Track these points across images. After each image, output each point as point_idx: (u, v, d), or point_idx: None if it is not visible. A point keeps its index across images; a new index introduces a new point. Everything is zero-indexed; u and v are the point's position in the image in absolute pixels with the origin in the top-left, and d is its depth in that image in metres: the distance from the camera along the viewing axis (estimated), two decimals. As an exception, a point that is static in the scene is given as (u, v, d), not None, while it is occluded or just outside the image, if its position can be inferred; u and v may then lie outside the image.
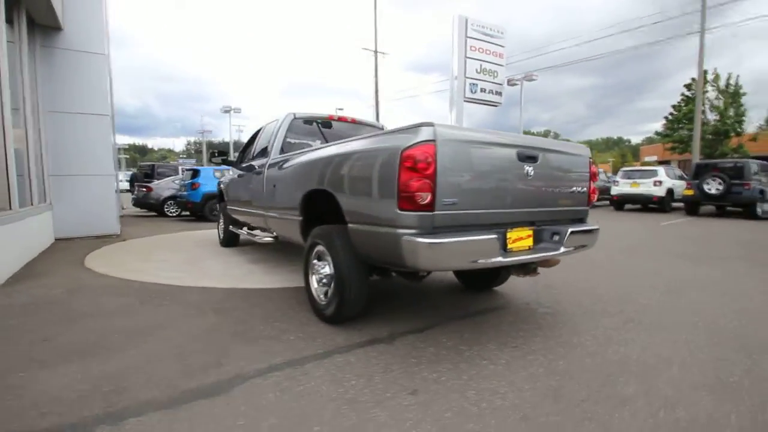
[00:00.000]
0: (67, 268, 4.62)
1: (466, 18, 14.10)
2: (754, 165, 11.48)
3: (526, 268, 2.63)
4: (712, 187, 11.41)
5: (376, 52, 30.95)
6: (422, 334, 2.67)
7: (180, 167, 14.09)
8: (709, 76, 26.28)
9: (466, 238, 2.06)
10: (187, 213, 11.63)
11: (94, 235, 6.81)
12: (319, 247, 2.88)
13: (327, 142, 4.38)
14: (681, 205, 13.10)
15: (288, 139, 4.12)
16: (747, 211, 11.21)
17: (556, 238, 2.59)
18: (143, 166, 12.73)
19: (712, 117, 26.46)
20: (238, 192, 5.09)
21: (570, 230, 2.60)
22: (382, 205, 2.14)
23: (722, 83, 26.34)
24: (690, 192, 12.03)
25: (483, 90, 15.17)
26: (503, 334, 2.69)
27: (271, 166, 3.93)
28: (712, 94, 26.45)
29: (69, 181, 6.47)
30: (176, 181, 11.81)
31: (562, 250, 2.55)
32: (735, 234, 8.20)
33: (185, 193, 10.36)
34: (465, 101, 14.60)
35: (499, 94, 15.62)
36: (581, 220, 2.93)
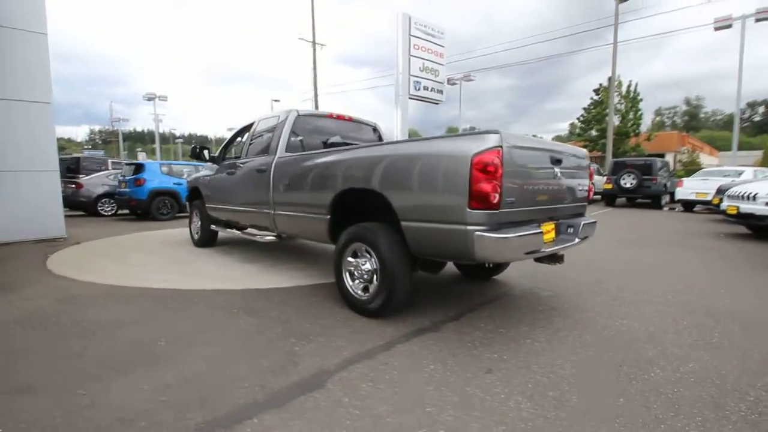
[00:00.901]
0: (36, 276, 4.11)
1: (409, 16, 14.53)
2: (658, 162, 13.52)
3: (555, 257, 3.00)
4: (628, 181, 13.24)
5: (314, 43, 30.36)
6: (459, 322, 2.92)
7: (110, 160, 12.67)
8: (613, 83, 30.00)
9: (525, 232, 2.34)
10: (126, 212, 10.62)
11: (33, 239, 5.99)
12: (356, 245, 2.99)
13: (335, 141, 4.44)
14: (598, 197, 15.02)
15: (292, 138, 4.08)
16: (654, 202, 13.22)
17: (571, 230, 3.00)
18: (65, 159, 11.24)
19: (615, 119, 30.30)
20: (226, 190, 4.88)
21: (582, 223, 3.03)
22: (449, 204, 2.34)
23: (623, 90, 30.22)
24: (609, 186, 13.82)
25: (426, 88, 15.77)
26: (528, 315, 3.05)
27: (281, 164, 3.88)
28: (616, 99, 30.27)
29: (4, 178, 5.61)
30: (111, 177, 10.66)
31: (577, 240, 2.96)
32: (657, 222, 9.69)
33: (127, 189, 9.43)
34: (410, 98, 15.13)
35: (441, 92, 16.37)
36: (581, 215, 3.39)
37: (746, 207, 6.54)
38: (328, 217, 3.28)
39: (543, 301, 3.41)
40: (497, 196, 2.22)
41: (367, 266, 2.92)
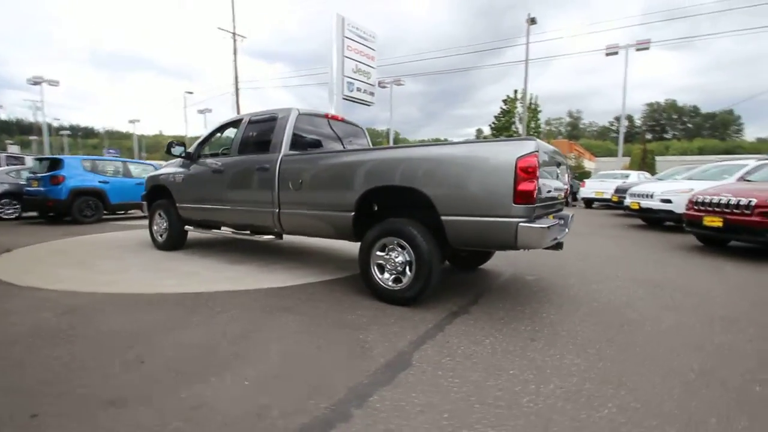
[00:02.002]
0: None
1: (343, 17, 14.88)
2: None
3: (559, 245, 3.55)
4: (542, 182, 15.16)
5: (234, 34, 28.77)
6: (479, 305, 3.31)
7: (5, 155, 10.61)
8: (519, 95, 33.84)
9: (553, 223, 2.81)
10: (34, 214, 9.13)
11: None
12: (387, 239, 3.21)
13: (336, 138, 4.53)
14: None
15: (295, 136, 4.11)
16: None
17: (562, 222, 3.59)
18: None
19: (521, 128, 34.10)
20: (209, 188, 4.64)
21: (570, 216, 3.65)
22: (495, 199, 2.71)
23: (527, 101, 34.08)
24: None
25: (359, 89, 16.27)
26: (530, 296, 3.57)
27: (288, 162, 3.89)
28: (520, 109, 34.08)
29: None
30: (12, 174, 9.02)
31: (567, 231, 3.57)
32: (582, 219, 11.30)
33: (41, 188, 8.11)
34: (343, 98, 15.43)
35: (372, 94, 17.00)
36: (561, 210, 4.04)
37: (645, 203, 8.12)
38: (353, 214, 3.44)
39: (533, 284, 3.98)
40: (535, 192, 2.65)
41: (400, 259, 3.17)
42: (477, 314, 3.07)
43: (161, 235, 5.37)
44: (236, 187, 4.38)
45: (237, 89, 29.51)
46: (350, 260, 4.95)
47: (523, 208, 2.66)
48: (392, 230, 3.18)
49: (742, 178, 7.12)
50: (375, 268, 3.31)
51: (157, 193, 5.47)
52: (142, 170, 9.71)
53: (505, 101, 34.24)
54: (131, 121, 56.52)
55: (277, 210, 3.99)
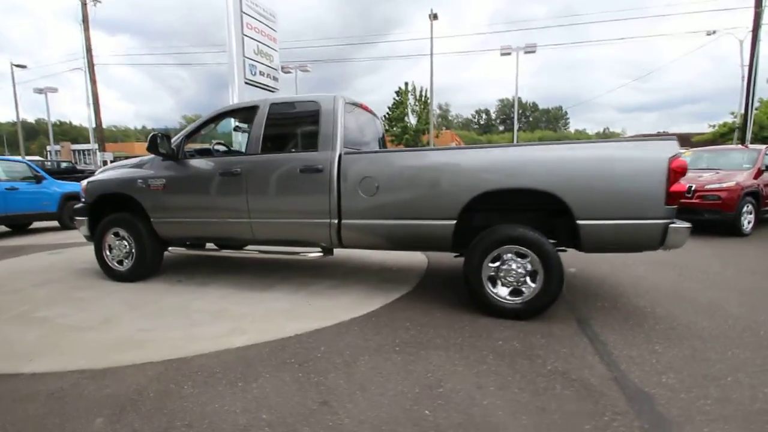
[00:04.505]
0: None
1: None
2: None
3: None
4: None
5: (83, -4, 23.22)
6: (594, 308, 3.22)
7: None
8: (410, 87, 35.39)
9: (688, 224, 2.84)
10: None
11: None
12: (504, 248, 2.89)
13: (369, 132, 3.90)
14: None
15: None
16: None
17: None
18: None
19: (413, 119, 35.82)
20: (220, 197, 3.53)
21: None
22: (645, 202, 2.62)
23: (417, 94, 35.86)
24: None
25: (262, 73, 14.90)
26: (589, 290, 3.66)
27: (354, 161, 3.19)
28: (412, 100, 35.71)
29: None
30: None
31: None
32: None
33: None
34: (245, 83, 13.94)
35: (276, 79, 15.73)
36: None
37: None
38: (454, 222, 2.99)
39: (580, 277, 4.10)
40: (684, 193, 2.66)
41: (522, 270, 2.88)
42: (610, 318, 2.95)
43: (122, 262, 3.93)
44: (265, 194, 3.42)
45: (91, 64, 24.04)
46: (377, 267, 4.41)
47: (672, 209, 2.65)
48: (512, 238, 2.86)
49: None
50: (487, 281, 2.95)
51: (108, 205, 3.98)
52: (8, 170, 7.06)
53: (398, 93, 35.37)
54: None
55: (336, 221, 3.25)
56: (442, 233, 3.04)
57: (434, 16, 19.98)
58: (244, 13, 13.79)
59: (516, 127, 24.17)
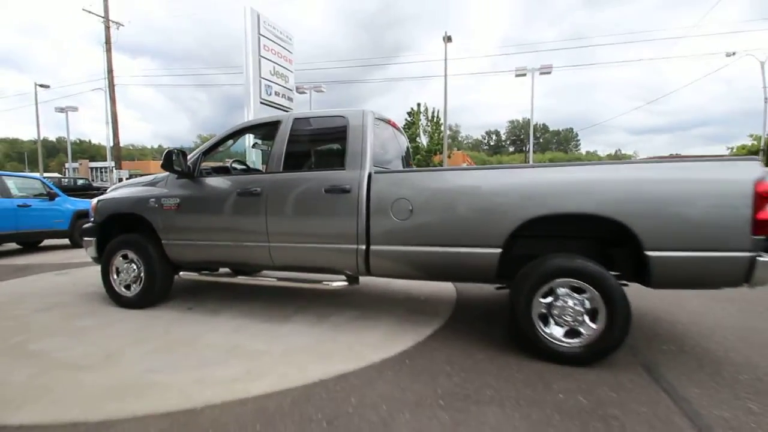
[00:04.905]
0: None
1: (258, 13, 13.51)
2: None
3: None
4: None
5: (107, 20, 24.04)
6: (660, 352, 2.84)
7: None
8: (422, 108, 35.55)
9: None
10: None
11: None
12: (559, 281, 2.52)
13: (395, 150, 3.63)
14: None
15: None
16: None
17: None
18: None
19: (425, 139, 35.82)
20: (237, 218, 3.26)
21: None
22: (726, 231, 2.25)
23: (429, 115, 35.97)
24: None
25: (277, 93, 14.98)
26: (643, 327, 3.25)
27: (385, 181, 2.89)
28: (424, 121, 35.80)
29: None
30: None
31: None
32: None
33: None
34: (261, 103, 13.94)
35: (291, 99, 15.78)
36: None
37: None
38: (500, 250, 2.65)
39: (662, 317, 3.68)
40: (772, 222, 2.29)
41: (578, 307, 2.51)
42: (681, 365, 2.54)
43: (129, 287, 3.65)
44: (286, 216, 3.13)
45: (112, 84, 24.66)
46: (402, 296, 4.04)
47: (760, 240, 2.27)
48: (569, 270, 2.50)
49: None
50: (538, 319, 2.58)
51: (116, 225, 3.73)
52: (21, 186, 6.95)
53: (410, 114, 35.53)
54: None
55: (364, 246, 2.93)
56: (484, 263, 2.69)
57: (448, 39, 20.10)
58: (262, 35, 14.00)
59: (531, 147, 23.88)
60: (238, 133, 3.55)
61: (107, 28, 24.00)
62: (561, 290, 2.55)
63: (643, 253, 2.40)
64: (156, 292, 3.61)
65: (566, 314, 2.53)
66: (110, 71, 24.31)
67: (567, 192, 2.53)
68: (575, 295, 2.52)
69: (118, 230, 3.80)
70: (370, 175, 2.95)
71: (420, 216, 2.80)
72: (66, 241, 8.02)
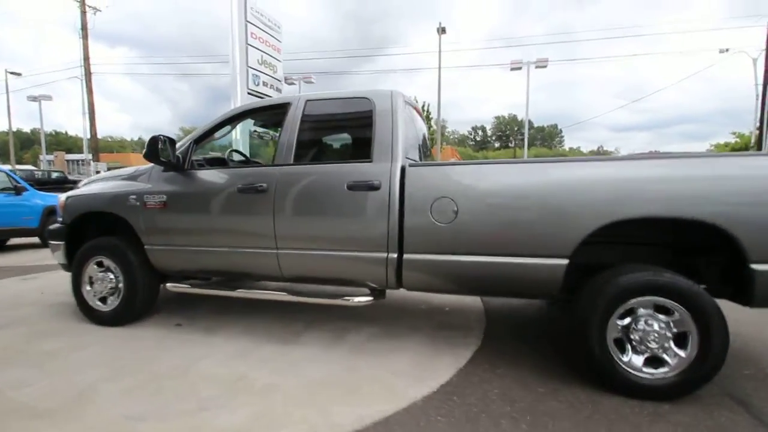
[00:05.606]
0: None
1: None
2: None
3: None
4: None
5: (83, 4, 22.70)
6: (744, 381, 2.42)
7: None
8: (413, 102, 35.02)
9: None
10: None
11: None
12: (643, 299, 2.07)
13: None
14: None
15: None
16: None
17: None
18: None
19: (416, 133, 35.31)
20: (237, 219, 2.70)
21: None
22: None
23: (421, 108, 35.47)
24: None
25: (265, 84, 14.28)
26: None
27: (424, 175, 2.39)
28: (415, 116, 35.28)
29: None
30: None
31: None
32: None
33: None
34: (248, 93, 13.27)
35: (279, 90, 15.09)
36: None
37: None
38: (566, 262, 2.18)
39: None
40: None
41: (664, 331, 2.06)
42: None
43: (105, 300, 3.06)
44: (299, 218, 2.59)
45: (88, 71, 23.40)
46: (424, 306, 3.56)
47: None
48: (655, 286, 2.04)
49: None
50: (613, 345, 2.13)
51: (89, 227, 3.13)
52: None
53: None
54: None
55: (396, 255, 2.42)
56: (548, 276, 2.22)
57: (442, 30, 19.56)
58: (249, 22, 13.21)
59: (526, 141, 23.59)
60: (237, 117, 2.97)
61: (83, 12, 22.70)
62: (642, 311, 2.10)
63: (748, 265, 1.97)
64: (137, 305, 3.03)
65: (649, 339, 2.08)
66: (86, 59, 23.05)
67: (662, 191, 2.06)
68: (660, 316, 2.08)
69: (92, 232, 3.20)
70: (403, 169, 2.44)
71: (467, 219, 2.29)
72: (36, 239, 7.28)
